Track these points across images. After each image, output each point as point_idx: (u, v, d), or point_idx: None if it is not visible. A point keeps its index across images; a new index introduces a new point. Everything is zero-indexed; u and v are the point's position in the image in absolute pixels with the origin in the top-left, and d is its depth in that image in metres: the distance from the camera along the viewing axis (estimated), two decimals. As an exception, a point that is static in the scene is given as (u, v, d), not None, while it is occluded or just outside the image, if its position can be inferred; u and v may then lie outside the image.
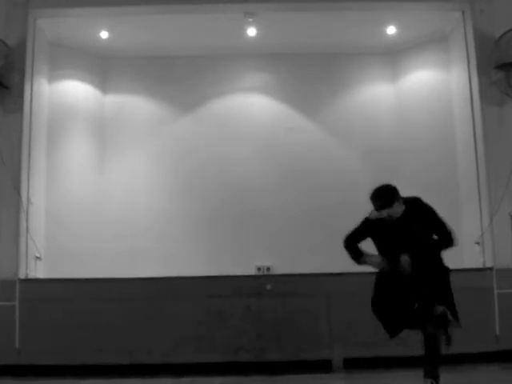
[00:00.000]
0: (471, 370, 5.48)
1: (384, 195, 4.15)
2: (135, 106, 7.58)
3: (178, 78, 7.57)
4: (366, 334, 5.82)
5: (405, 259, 4.06)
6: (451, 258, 6.58)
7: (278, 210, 7.28)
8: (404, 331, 4.22)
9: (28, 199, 6.18)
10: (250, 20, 6.68)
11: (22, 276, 5.99)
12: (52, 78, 7.03)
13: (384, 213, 4.13)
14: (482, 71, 6.24)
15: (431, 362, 4.07)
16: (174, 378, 5.55)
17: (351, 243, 4.36)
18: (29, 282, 6.02)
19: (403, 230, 4.15)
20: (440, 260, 4.22)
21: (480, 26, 6.33)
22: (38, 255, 6.32)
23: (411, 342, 5.79)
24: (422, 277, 4.03)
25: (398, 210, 4.17)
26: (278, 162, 7.45)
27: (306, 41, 7.29)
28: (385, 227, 4.19)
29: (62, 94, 7.14)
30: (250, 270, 6.77)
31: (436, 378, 4.03)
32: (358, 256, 4.32)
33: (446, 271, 4.19)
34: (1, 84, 6.02)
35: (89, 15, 6.61)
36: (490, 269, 5.97)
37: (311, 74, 7.58)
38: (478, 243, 6.20)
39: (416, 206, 4.26)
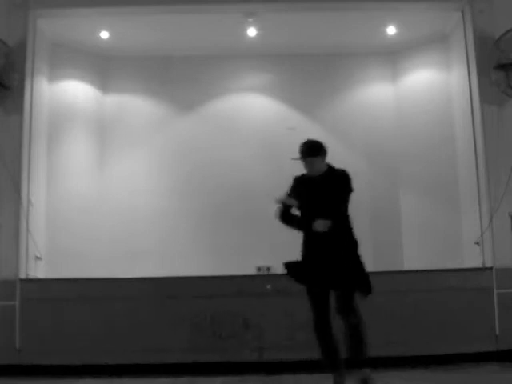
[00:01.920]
0: (471, 369, 5.48)
1: (312, 144, 4.21)
2: (135, 105, 7.59)
3: (178, 77, 7.57)
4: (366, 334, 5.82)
5: (320, 223, 3.98)
6: (451, 258, 6.65)
7: (278, 210, 7.26)
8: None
9: (28, 200, 6.18)
10: (250, 20, 6.69)
11: (22, 276, 5.99)
12: (52, 78, 7.04)
13: (313, 163, 4.13)
14: (481, 71, 6.24)
15: (360, 351, 4.03)
16: (173, 378, 5.55)
17: (285, 211, 4.28)
18: (29, 281, 6.02)
19: (320, 191, 4.11)
20: (350, 229, 4.14)
21: (480, 26, 6.33)
22: (38, 255, 6.32)
23: (411, 343, 5.84)
24: (336, 256, 3.99)
25: (319, 164, 4.18)
26: (279, 162, 7.42)
27: (306, 41, 7.29)
28: (305, 186, 4.20)
29: (63, 93, 7.15)
30: (250, 270, 6.77)
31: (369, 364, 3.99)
32: (291, 220, 4.29)
33: (356, 243, 4.12)
34: (1, 84, 6.02)
35: (89, 15, 6.62)
36: (490, 269, 5.98)
37: (311, 74, 7.58)
38: (477, 243, 6.20)
39: (338, 175, 4.19)
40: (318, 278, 4.08)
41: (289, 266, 4.34)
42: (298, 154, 4.26)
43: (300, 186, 4.26)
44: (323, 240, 4.04)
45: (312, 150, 4.19)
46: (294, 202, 4.19)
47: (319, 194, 4.12)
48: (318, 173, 4.19)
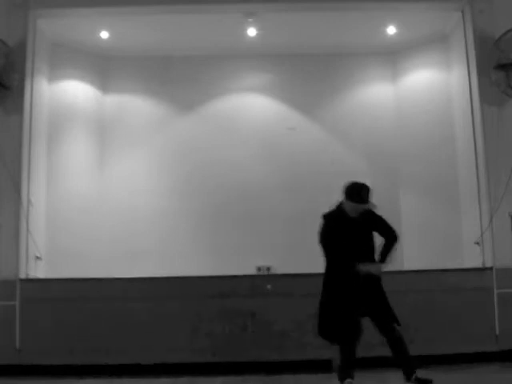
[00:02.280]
0: (471, 369, 5.48)
1: (367, 191, 4.35)
2: (135, 105, 7.59)
3: (178, 78, 7.57)
4: (366, 334, 5.82)
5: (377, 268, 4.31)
6: (451, 258, 6.64)
7: (278, 211, 7.28)
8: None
9: (28, 200, 6.18)
10: (250, 20, 6.69)
11: (22, 276, 5.99)
12: (52, 78, 7.04)
13: (360, 207, 4.32)
14: (481, 71, 6.25)
15: (409, 357, 4.30)
16: (173, 378, 5.55)
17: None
18: (29, 281, 6.02)
19: (359, 230, 4.36)
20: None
21: (480, 26, 6.34)
22: (38, 255, 6.32)
23: (411, 343, 5.82)
24: (371, 291, 4.31)
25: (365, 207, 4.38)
26: (279, 162, 7.46)
27: (306, 41, 7.29)
28: (346, 225, 4.37)
29: (62, 93, 7.15)
30: (250, 270, 6.77)
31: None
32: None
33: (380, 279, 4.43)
34: (1, 84, 6.02)
35: (89, 15, 6.62)
36: (490, 269, 5.98)
37: (311, 74, 7.59)
38: (477, 243, 6.20)
39: (369, 213, 4.42)
40: (362, 310, 4.32)
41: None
42: (345, 192, 4.42)
43: (338, 225, 4.40)
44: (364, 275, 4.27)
45: (369, 196, 4.34)
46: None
47: (363, 233, 4.37)
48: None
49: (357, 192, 4.32)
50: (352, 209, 4.35)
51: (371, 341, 5.74)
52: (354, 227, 4.34)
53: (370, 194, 4.34)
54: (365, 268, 4.26)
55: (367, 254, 4.36)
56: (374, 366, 5.70)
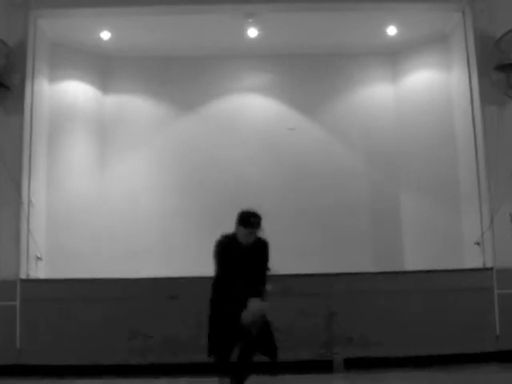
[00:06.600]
0: (471, 369, 5.49)
1: (259, 217, 4.49)
2: (135, 106, 7.60)
3: (178, 78, 7.58)
4: (366, 334, 5.83)
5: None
6: (451, 258, 6.65)
7: (278, 210, 7.27)
8: None
9: (29, 200, 6.18)
10: (250, 21, 6.70)
11: (22, 276, 6.00)
12: (52, 78, 7.04)
13: (253, 232, 4.45)
14: (482, 72, 6.25)
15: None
16: (173, 378, 5.56)
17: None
18: (29, 282, 6.02)
19: (249, 258, 4.44)
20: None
21: (480, 27, 6.34)
22: (38, 255, 6.32)
23: (411, 343, 5.83)
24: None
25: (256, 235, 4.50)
26: (279, 162, 7.46)
27: (306, 41, 7.29)
28: (233, 250, 4.48)
29: (63, 93, 7.16)
30: (250, 270, 6.76)
31: None
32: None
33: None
34: (1, 84, 6.02)
35: (89, 16, 6.62)
36: (490, 269, 5.98)
37: (311, 75, 7.59)
38: (477, 243, 6.21)
39: (261, 242, 4.55)
40: None
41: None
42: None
43: (229, 251, 4.49)
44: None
45: (260, 222, 4.47)
46: None
47: (248, 262, 4.42)
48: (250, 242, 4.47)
49: (251, 219, 4.46)
50: (248, 237, 4.46)
51: (370, 341, 5.80)
52: (244, 256, 4.43)
53: (260, 221, 4.47)
54: (247, 318, 4.28)
55: (256, 283, 4.39)
56: (374, 366, 5.71)
